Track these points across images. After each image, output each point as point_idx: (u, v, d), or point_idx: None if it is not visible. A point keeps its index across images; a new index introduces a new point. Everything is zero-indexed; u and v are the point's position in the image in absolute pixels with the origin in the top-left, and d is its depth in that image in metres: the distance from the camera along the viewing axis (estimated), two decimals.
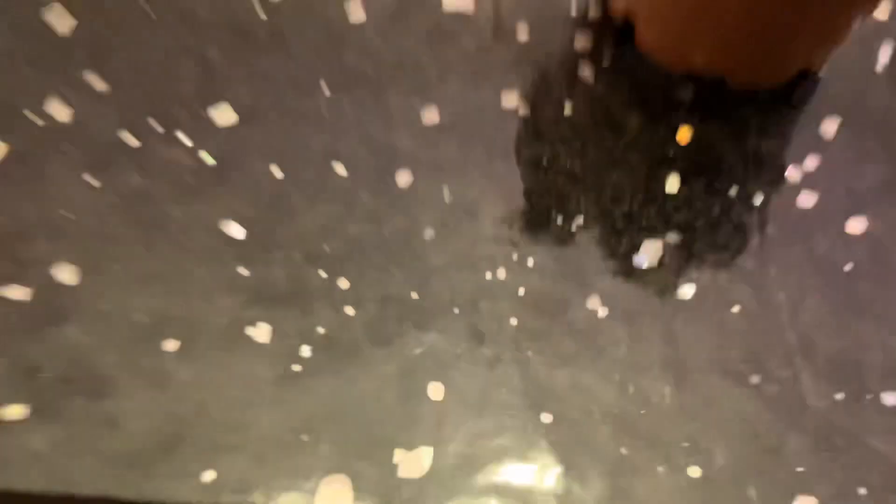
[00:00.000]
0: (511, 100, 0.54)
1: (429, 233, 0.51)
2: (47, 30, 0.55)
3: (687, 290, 0.49)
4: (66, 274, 0.50)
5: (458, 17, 0.57)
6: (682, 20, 0.53)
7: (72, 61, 0.54)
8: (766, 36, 0.52)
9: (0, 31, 0.56)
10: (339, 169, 0.52)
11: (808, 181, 0.53)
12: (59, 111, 0.53)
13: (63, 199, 0.51)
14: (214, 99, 0.54)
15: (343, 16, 0.56)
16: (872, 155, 0.53)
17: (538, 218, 0.51)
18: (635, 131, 0.53)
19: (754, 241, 0.51)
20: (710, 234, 0.50)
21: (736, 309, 0.49)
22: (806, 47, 0.53)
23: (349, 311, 0.48)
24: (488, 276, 0.49)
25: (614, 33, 0.56)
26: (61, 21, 0.54)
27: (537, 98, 0.54)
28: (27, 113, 0.53)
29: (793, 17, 0.51)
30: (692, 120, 0.53)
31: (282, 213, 0.51)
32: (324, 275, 0.49)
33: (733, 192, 0.52)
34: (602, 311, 0.48)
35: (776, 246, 0.50)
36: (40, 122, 0.53)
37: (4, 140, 0.52)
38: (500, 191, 0.52)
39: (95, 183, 0.52)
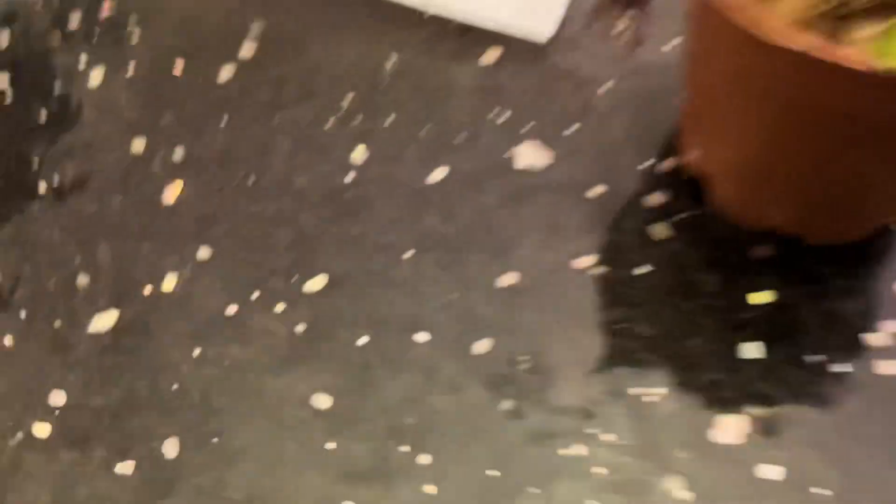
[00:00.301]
0: (586, 260, 0.37)
1: (506, 405, 0.39)
2: (157, 201, 0.44)
3: (772, 471, 0.32)
4: (169, 447, 0.39)
5: (532, 173, 0.45)
6: (754, 180, 0.40)
7: (178, 231, 0.44)
8: (840, 194, 0.38)
9: (113, 203, 0.45)
10: (420, 336, 0.41)
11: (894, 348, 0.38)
12: (166, 281, 0.43)
13: (168, 369, 0.41)
14: (307, 266, 0.42)
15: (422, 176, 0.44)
16: None
17: (614, 387, 0.38)
18: (712, 293, 0.37)
19: (839, 413, 0.37)
20: (794, 406, 0.33)
21: (828, 493, 0.36)
22: (882, 204, 0.35)
23: (430, 489, 0.37)
24: (564, 450, 0.34)
25: (688, 189, 0.40)
26: (169, 193, 0.40)
27: (611, 258, 0.38)
28: (136, 282, 0.43)
29: (864, 177, 0.37)
30: (770, 280, 0.37)
31: (365, 384, 0.40)
32: (405, 449, 0.38)
33: (815, 358, 0.34)
34: (683, 493, 0.32)
35: (862, 421, 0.37)
36: (147, 291, 0.43)
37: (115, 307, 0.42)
38: (577, 358, 0.39)
39: (198, 353, 0.41)
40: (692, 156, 0.42)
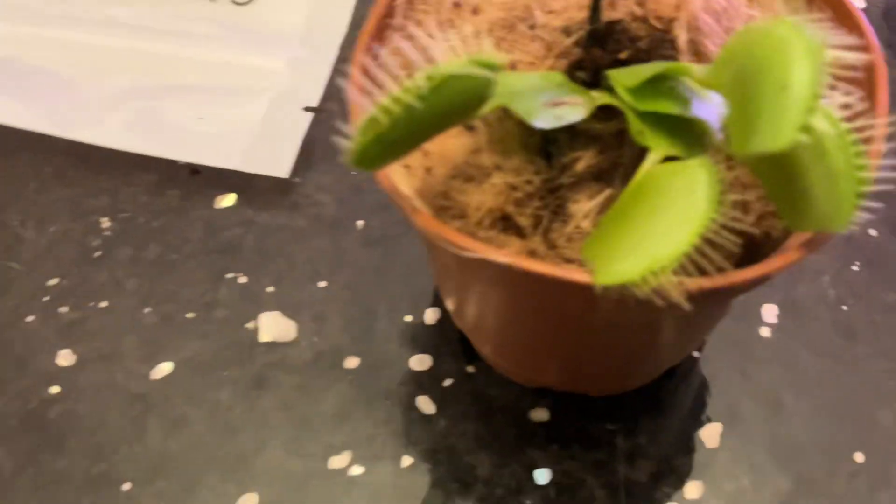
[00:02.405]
0: (341, 459, 0.31)
1: None
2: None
3: None
4: None
5: (276, 349, 0.38)
6: (505, 350, 0.32)
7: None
8: (595, 366, 0.34)
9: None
10: None
11: None
12: None
13: None
14: None
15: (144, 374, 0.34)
16: (761, 470, 0.35)
17: None
18: (487, 479, 0.30)
19: None
20: None
21: None
22: (662, 359, 0.31)
23: None
24: None
25: (455, 345, 0.34)
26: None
27: (371, 451, 0.32)
28: None
29: (610, 354, 0.33)
30: (551, 453, 0.31)
31: None
32: None
33: None
34: None
35: None
36: None
37: None
38: None
39: None
40: (451, 307, 0.37)
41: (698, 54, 0.28)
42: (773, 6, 0.31)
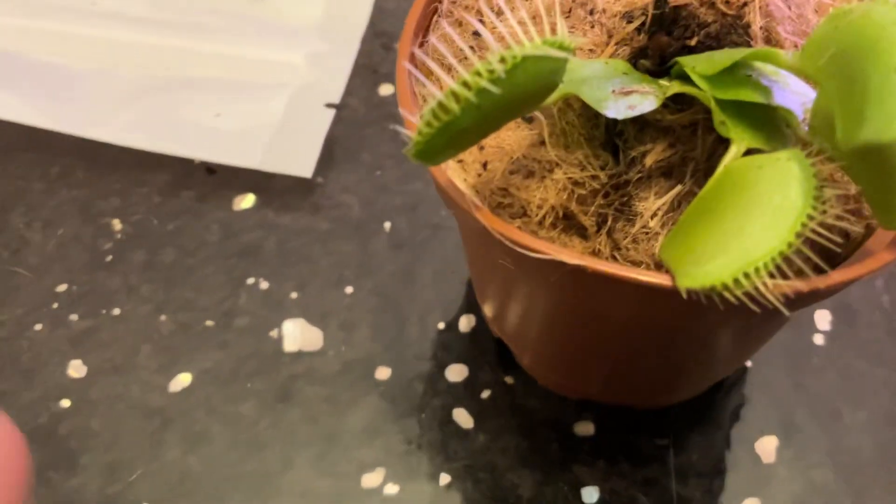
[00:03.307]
0: (375, 477, 0.29)
1: None
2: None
3: None
4: None
5: (303, 358, 0.36)
6: (549, 359, 0.32)
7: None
8: (643, 378, 0.32)
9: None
10: None
11: None
12: None
13: None
14: None
15: (161, 386, 0.31)
16: (821, 485, 0.33)
17: None
18: (530, 496, 0.28)
19: None
20: None
21: None
22: (715, 370, 0.29)
23: None
24: None
25: (494, 353, 0.32)
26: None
27: (406, 468, 0.30)
28: None
29: (660, 366, 0.31)
30: (597, 468, 0.29)
31: None
32: None
33: None
34: None
35: None
36: None
37: None
38: None
39: None
40: (490, 313, 0.35)
41: (770, 41, 0.26)
42: None
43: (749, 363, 0.35)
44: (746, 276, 0.20)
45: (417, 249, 0.39)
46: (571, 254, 0.22)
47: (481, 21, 0.28)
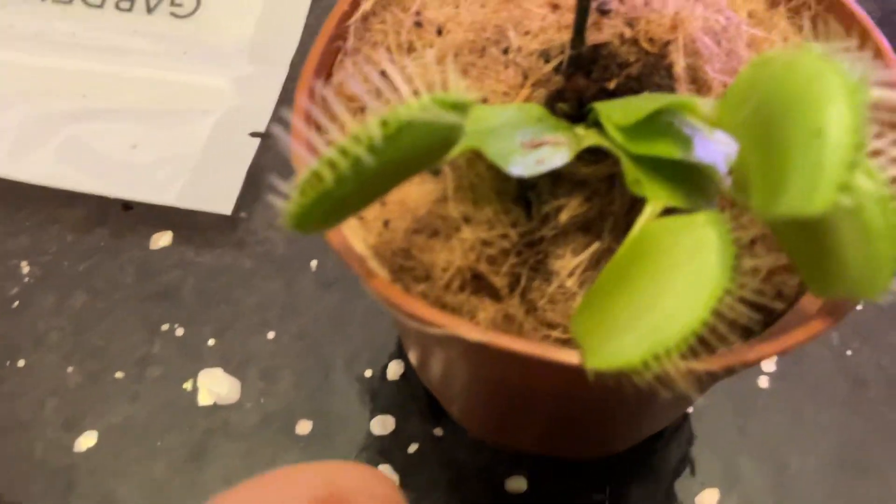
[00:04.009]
0: None
1: None
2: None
3: None
4: None
5: (219, 412, 0.34)
6: (493, 417, 0.28)
7: None
8: (569, 434, 0.31)
9: None
10: None
11: None
12: None
13: None
14: None
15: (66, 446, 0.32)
16: None
17: None
18: None
19: None
20: None
21: None
22: (652, 423, 0.27)
23: None
24: None
25: (422, 401, 0.30)
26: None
27: None
28: None
29: (585, 424, 0.29)
30: None
31: None
32: None
33: None
34: None
35: None
36: None
37: None
38: None
39: None
40: (414, 363, 0.33)
41: (697, 81, 0.24)
42: (778, 24, 0.27)
43: (690, 409, 0.33)
44: (656, 357, 0.18)
45: (346, 289, 0.37)
46: (471, 328, 0.20)
47: (391, 60, 0.26)
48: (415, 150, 0.19)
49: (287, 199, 0.19)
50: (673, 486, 0.32)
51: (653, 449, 0.33)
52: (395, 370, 0.34)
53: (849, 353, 0.35)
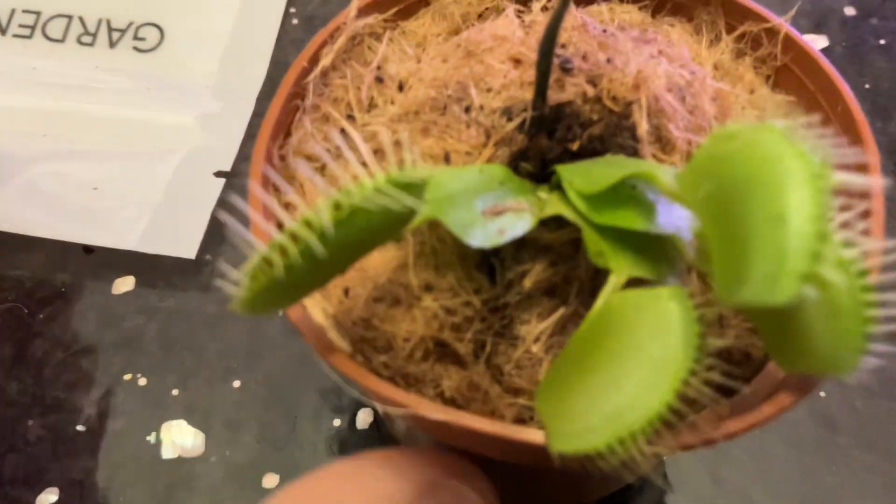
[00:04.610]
0: None
1: None
2: None
3: None
4: None
5: (183, 464, 0.33)
6: None
7: None
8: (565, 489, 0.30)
9: None
10: None
11: None
12: None
13: None
14: None
15: None
16: None
17: None
18: None
19: None
20: None
21: None
22: (617, 481, 0.27)
23: None
24: None
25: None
26: None
27: None
28: None
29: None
30: None
31: None
32: None
33: None
34: None
35: None
36: None
37: None
38: None
39: None
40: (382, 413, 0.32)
41: (661, 140, 0.24)
42: (744, 76, 0.27)
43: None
44: (621, 442, 0.18)
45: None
46: (432, 407, 0.20)
47: (350, 116, 0.26)
48: (370, 230, 0.18)
49: (236, 284, 0.18)
50: None
51: (627, 496, 0.32)
52: (364, 419, 0.34)
53: (822, 394, 0.35)
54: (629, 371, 0.18)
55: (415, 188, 0.18)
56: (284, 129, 0.25)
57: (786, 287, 0.16)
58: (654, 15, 0.29)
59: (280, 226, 0.19)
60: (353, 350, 0.22)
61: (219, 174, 0.40)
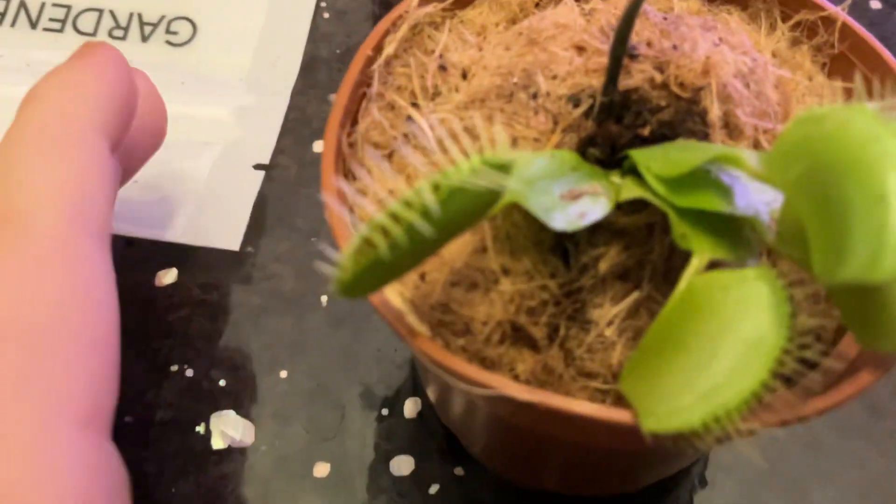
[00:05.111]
0: None
1: None
2: None
3: None
4: None
5: (233, 455, 0.33)
6: (517, 460, 0.28)
7: None
8: (626, 474, 0.29)
9: None
10: None
11: None
12: None
13: None
14: None
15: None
16: None
17: None
18: None
19: None
20: None
21: None
22: (685, 460, 0.27)
23: None
24: None
25: (441, 440, 0.30)
26: None
27: None
28: None
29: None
30: None
31: None
32: None
33: None
34: None
35: None
36: None
37: None
38: None
39: None
40: (434, 401, 0.32)
41: (729, 126, 0.24)
42: (802, 64, 0.27)
43: None
44: (717, 420, 0.18)
45: (358, 325, 0.36)
46: (520, 388, 0.20)
47: (415, 104, 0.26)
48: (462, 214, 0.18)
49: (336, 266, 0.18)
50: None
51: (674, 482, 0.33)
52: (411, 408, 0.34)
53: None
54: (721, 350, 0.19)
55: (506, 168, 0.18)
56: (352, 117, 0.25)
57: (888, 264, 0.16)
58: (709, 3, 0.29)
59: (353, 211, 0.19)
60: (432, 334, 0.22)
61: (258, 167, 0.40)
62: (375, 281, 0.18)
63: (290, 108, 0.42)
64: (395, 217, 0.17)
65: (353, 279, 0.18)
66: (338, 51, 0.45)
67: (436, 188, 0.17)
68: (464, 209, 0.18)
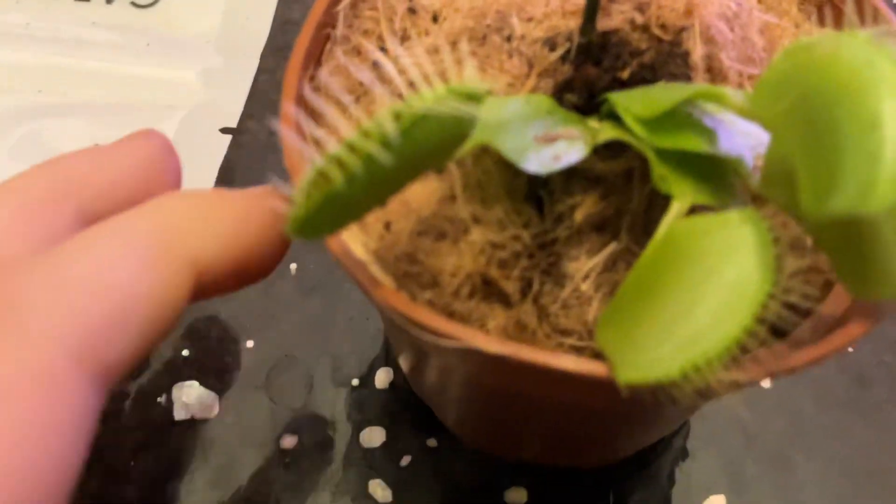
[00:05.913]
0: None
1: None
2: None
3: None
4: None
5: (196, 426, 0.31)
6: (491, 429, 0.27)
7: None
8: (603, 442, 0.29)
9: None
10: None
11: None
12: None
13: None
14: None
15: None
16: None
17: None
18: None
19: None
20: None
21: None
22: (662, 429, 0.26)
23: None
24: None
25: (415, 411, 0.29)
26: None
27: None
28: None
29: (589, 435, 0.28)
30: None
31: None
32: None
33: None
34: None
35: None
36: None
37: None
38: None
39: None
40: (406, 371, 0.31)
41: (712, 70, 0.23)
42: (789, 11, 0.26)
43: None
44: (697, 369, 0.17)
45: (328, 294, 0.35)
46: (490, 340, 0.19)
47: (383, 49, 0.25)
48: (427, 147, 0.17)
49: (289, 202, 0.17)
50: (679, 493, 0.31)
51: (655, 453, 0.32)
52: (383, 378, 0.33)
53: (849, 349, 0.34)
54: (702, 297, 0.17)
55: (475, 99, 0.17)
56: (315, 58, 0.24)
57: (881, 194, 0.15)
58: None
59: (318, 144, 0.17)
60: (397, 286, 0.21)
61: (225, 130, 0.38)
62: (333, 220, 0.17)
63: (260, 70, 0.41)
64: (352, 148, 0.16)
65: (308, 216, 0.16)
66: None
67: (397, 117, 0.16)
68: (428, 140, 0.17)
